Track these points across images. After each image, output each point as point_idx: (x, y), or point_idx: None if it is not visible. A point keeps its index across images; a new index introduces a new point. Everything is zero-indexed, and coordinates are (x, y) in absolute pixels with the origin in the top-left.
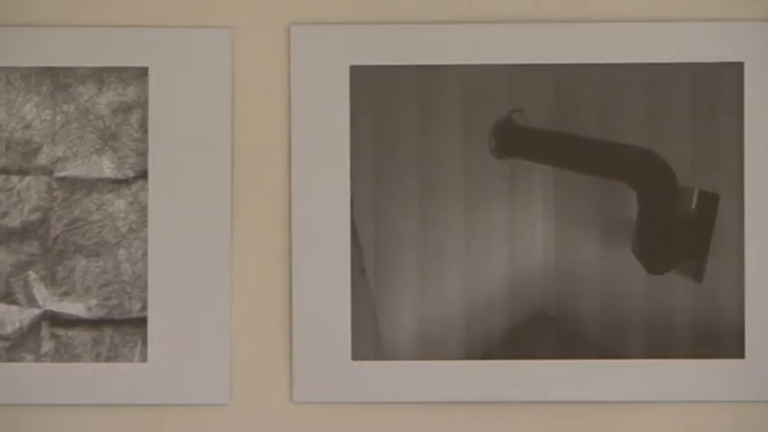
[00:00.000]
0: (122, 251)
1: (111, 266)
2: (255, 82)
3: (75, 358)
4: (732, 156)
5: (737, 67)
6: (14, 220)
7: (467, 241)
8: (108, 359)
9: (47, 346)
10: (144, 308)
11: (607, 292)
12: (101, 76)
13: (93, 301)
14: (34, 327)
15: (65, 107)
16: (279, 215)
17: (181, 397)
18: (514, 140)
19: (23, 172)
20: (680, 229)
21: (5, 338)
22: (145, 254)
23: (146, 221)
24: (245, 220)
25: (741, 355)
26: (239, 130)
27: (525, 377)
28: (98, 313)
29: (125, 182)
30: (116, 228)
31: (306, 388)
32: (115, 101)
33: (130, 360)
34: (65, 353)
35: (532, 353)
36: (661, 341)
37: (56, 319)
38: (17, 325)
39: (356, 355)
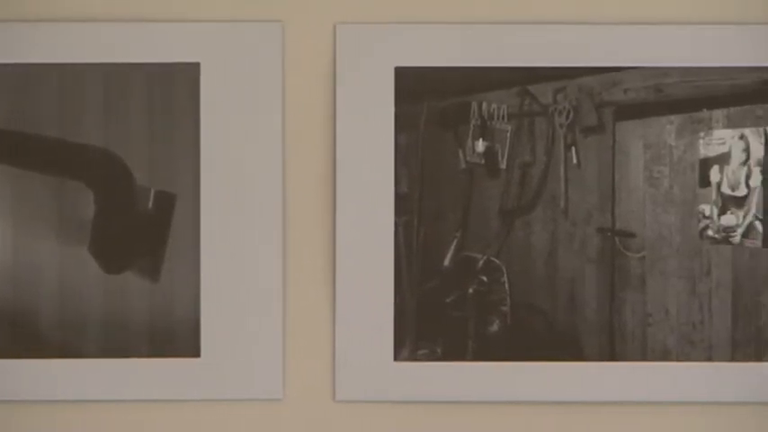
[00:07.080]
0: None
1: None
2: None
3: None
4: (188, 156)
5: (194, 68)
6: None
7: None
8: None
9: None
10: None
11: (65, 291)
12: None
13: None
14: None
15: None
16: None
17: None
18: None
19: None
20: (137, 229)
21: None
22: None
23: None
24: None
25: (197, 353)
26: None
27: None
28: None
29: None
30: None
31: None
32: None
33: None
34: None
35: None
36: (119, 340)
37: None
38: None
39: None
